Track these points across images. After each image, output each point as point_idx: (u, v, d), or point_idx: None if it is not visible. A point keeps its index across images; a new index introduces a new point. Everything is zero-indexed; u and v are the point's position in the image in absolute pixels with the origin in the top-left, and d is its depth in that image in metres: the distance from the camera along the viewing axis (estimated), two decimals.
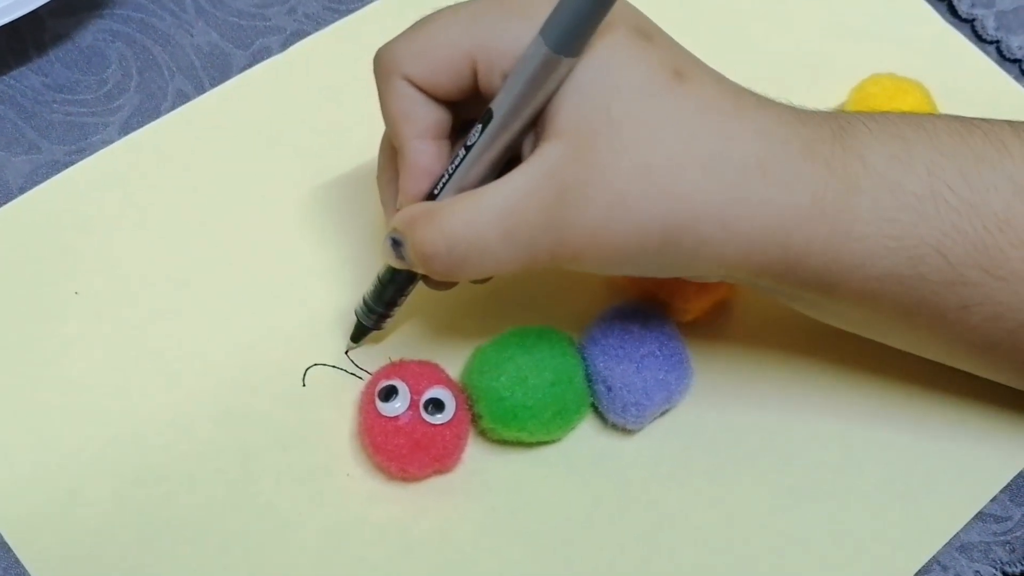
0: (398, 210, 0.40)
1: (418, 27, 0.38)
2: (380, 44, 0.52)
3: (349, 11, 0.54)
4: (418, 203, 0.38)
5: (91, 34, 0.53)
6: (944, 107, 0.52)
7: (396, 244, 0.39)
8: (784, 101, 0.40)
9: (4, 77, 0.52)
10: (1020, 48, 0.56)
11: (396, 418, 0.42)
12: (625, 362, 0.43)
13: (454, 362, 0.46)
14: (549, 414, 0.43)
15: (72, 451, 0.44)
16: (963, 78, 0.55)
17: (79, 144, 0.50)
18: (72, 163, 0.50)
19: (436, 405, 0.43)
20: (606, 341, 0.44)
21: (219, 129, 0.51)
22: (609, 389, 0.43)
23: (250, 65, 0.53)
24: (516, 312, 0.47)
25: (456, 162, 0.38)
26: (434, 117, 0.38)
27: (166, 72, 0.52)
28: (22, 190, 0.49)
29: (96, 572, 0.42)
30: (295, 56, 0.53)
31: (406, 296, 0.44)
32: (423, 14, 0.53)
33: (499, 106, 0.36)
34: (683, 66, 0.37)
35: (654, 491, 0.45)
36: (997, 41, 0.57)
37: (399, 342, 0.46)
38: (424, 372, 0.44)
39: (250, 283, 0.48)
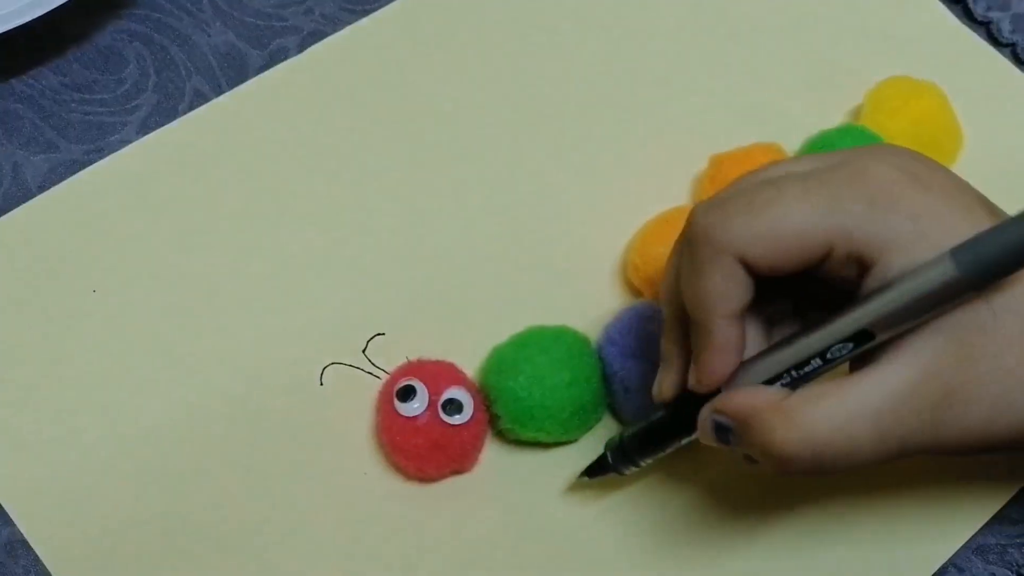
0: (698, 384, 0.36)
1: (758, 205, 0.34)
2: (396, 46, 0.53)
3: (366, 12, 0.55)
4: (752, 391, 0.35)
5: (109, 34, 0.53)
6: (960, 109, 0.52)
7: (721, 429, 0.35)
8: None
9: (23, 77, 0.52)
10: None
11: (414, 418, 0.42)
12: (643, 363, 0.43)
13: (471, 361, 0.46)
14: (567, 414, 0.43)
15: (90, 449, 0.44)
16: (979, 80, 0.55)
17: (97, 143, 0.50)
18: (90, 162, 0.50)
19: (454, 406, 0.43)
20: (624, 342, 0.44)
21: (236, 130, 0.51)
22: (627, 390, 0.43)
23: (267, 65, 0.53)
24: (533, 312, 0.47)
25: (805, 370, 0.35)
26: (748, 297, 0.35)
27: (183, 72, 0.52)
28: (41, 189, 0.49)
29: (115, 569, 0.42)
30: (312, 58, 0.53)
31: (676, 448, 0.40)
32: (439, 17, 0.54)
33: (877, 323, 0.33)
34: None
35: (671, 491, 0.45)
36: (1013, 44, 0.57)
37: (416, 341, 0.46)
38: (442, 372, 0.44)
39: (267, 282, 0.48)
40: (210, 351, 0.46)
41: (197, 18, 0.54)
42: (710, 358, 0.36)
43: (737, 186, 0.36)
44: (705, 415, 0.36)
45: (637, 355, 0.43)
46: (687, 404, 0.37)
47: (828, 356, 0.34)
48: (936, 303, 0.33)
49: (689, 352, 0.37)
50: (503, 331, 0.45)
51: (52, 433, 0.44)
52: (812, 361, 0.35)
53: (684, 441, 0.39)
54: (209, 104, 0.51)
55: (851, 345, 0.34)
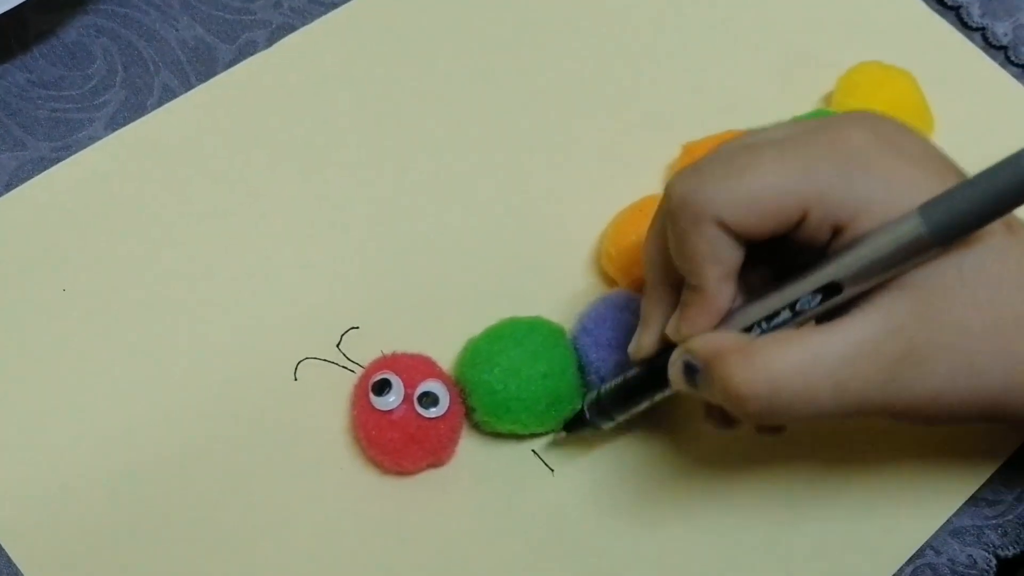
0: (677, 333, 0.37)
1: (735, 170, 0.35)
2: (366, 39, 0.53)
3: (335, 4, 0.54)
4: (721, 334, 0.36)
5: (75, 30, 0.52)
6: (930, 95, 0.52)
7: (690, 369, 0.36)
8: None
9: None
10: (1006, 35, 0.56)
11: (390, 412, 0.42)
12: (618, 352, 0.43)
13: (446, 354, 0.45)
14: (543, 406, 0.43)
15: (63, 449, 0.44)
16: (950, 66, 0.55)
17: (65, 140, 0.50)
18: (58, 159, 0.49)
19: (430, 399, 0.42)
20: (599, 332, 0.44)
21: (206, 125, 0.51)
22: (602, 380, 0.43)
23: (236, 59, 0.52)
24: (507, 303, 0.47)
25: (775, 321, 0.36)
26: (738, 258, 0.36)
27: (151, 67, 0.52)
28: (8, 187, 0.48)
29: (88, 570, 0.42)
30: (282, 51, 0.53)
31: (651, 405, 0.41)
32: (408, 9, 0.54)
33: (846, 277, 0.34)
34: (1010, 218, 0.34)
35: (647, 481, 0.45)
36: (983, 28, 0.57)
37: (391, 334, 0.46)
38: (417, 365, 0.44)
39: (239, 278, 0.47)
40: (183, 349, 0.46)
41: (164, 12, 0.53)
42: (697, 312, 0.36)
43: (714, 153, 0.37)
44: (676, 357, 0.37)
45: (612, 345, 0.43)
46: (662, 361, 0.38)
47: (797, 308, 0.35)
48: (904, 258, 0.33)
49: (667, 312, 0.38)
50: (478, 323, 0.45)
51: (23, 433, 0.44)
52: (782, 312, 0.35)
53: (658, 397, 0.40)
54: (178, 99, 0.51)
55: (819, 297, 0.35)
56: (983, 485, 0.46)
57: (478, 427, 0.45)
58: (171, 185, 0.49)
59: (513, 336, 0.44)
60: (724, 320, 0.37)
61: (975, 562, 0.45)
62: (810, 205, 0.34)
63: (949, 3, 0.57)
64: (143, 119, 0.50)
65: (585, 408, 0.43)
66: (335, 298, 0.47)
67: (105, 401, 0.45)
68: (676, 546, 0.44)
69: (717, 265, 0.35)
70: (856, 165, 0.34)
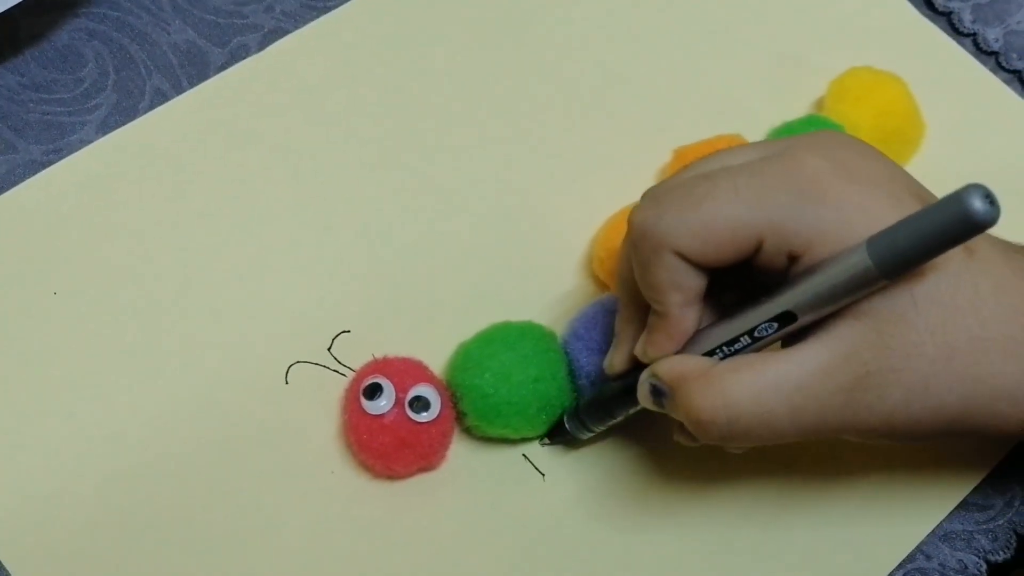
0: (644, 355, 0.38)
1: (692, 201, 0.36)
2: (358, 43, 0.53)
3: (327, 8, 0.54)
4: (686, 357, 0.37)
5: (67, 33, 0.52)
6: (922, 100, 0.52)
7: (656, 392, 0.37)
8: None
9: None
10: (996, 40, 0.57)
11: (381, 416, 0.42)
12: None
13: (438, 358, 0.45)
14: (533, 410, 0.43)
15: (53, 451, 0.44)
16: (940, 71, 0.55)
17: (56, 144, 0.50)
18: (50, 162, 0.49)
19: (421, 403, 0.42)
20: (589, 336, 0.44)
21: (198, 129, 0.50)
22: (593, 384, 0.43)
23: (228, 63, 0.52)
24: (498, 307, 0.47)
25: (736, 347, 0.36)
26: (699, 285, 0.36)
27: (143, 70, 0.52)
28: None
29: (78, 572, 0.42)
30: (274, 55, 0.53)
31: (625, 419, 0.42)
32: (400, 13, 0.54)
33: (799, 307, 0.35)
34: (971, 241, 0.33)
35: (638, 486, 0.45)
36: (973, 34, 0.57)
37: (382, 338, 0.46)
38: (408, 369, 0.44)
39: (230, 281, 0.47)
40: (174, 352, 0.46)
41: (156, 16, 0.53)
42: (662, 338, 0.37)
43: (674, 180, 0.38)
44: (644, 378, 0.38)
45: (603, 350, 0.43)
46: (634, 377, 0.39)
47: (755, 335, 0.36)
48: (852, 290, 0.34)
49: (638, 331, 0.39)
50: (469, 327, 0.45)
51: (14, 437, 0.44)
52: (741, 338, 0.36)
53: (632, 411, 0.41)
54: (170, 103, 0.51)
55: (776, 325, 0.35)
56: (974, 490, 0.46)
57: (469, 431, 0.45)
58: (163, 189, 0.49)
59: (504, 340, 0.44)
60: (690, 342, 0.37)
61: (966, 567, 0.45)
62: (764, 235, 0.35)
63: (940, 9, 0.58)
64: (135, 122, 0.50)
65: (564, 419, 0.44)
66: (326, 302, 0.47)
67: (96, 404, 0.45)
68: (666, 551, 0.44)
69: (678, 292, 0.36)
70: (809, 194, 0.35)
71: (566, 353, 0.44)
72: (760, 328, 0.36)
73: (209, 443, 0.44)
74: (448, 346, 0.45)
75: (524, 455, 0.45)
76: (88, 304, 0.46)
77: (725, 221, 0.35)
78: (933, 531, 0.45)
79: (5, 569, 0.42)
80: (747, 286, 0.38)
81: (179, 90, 0.51)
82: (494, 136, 0.52)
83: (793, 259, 0.35)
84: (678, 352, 0.38)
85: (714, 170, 0.37)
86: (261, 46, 0.53)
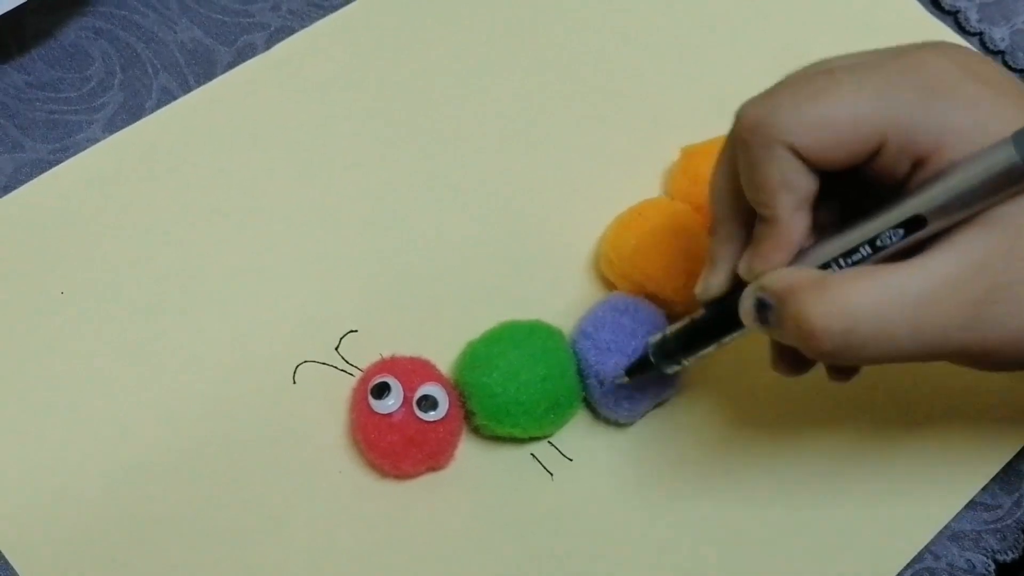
0: (749, 271, 0.36)
1: (808, 94, 0.33)
2: (364, 42, 0.53)
3: (333, 7, 0.54)
4: (796, 269, 0.35)
5: (73, 31, 0.52)
6: None
7: (762, 307, 0.34)
8: None
9: None
10: (1003, 40, 0.56)
11: (389, 415, 0.42)
12: (618, 356, 0.43)
13: (445, 357, 0.45)
14: (542, 410, 0.43)
15: (61, 450, 0.44)
16: None
17: (63, 142, 0.50)
18: (56, 161, 0.49)
19: (429, 402, 0.42)
20: (598, 335, 0.44)
21: (205, 128, 0.50)
22: (602, 384, 0.43)
23: (235, 62, 0.52)
24: (506, 306, 0.47)
25: (853, 259, 0.34)
26: (812, 187, 0.34)
27: (150, 69, 0.52)
28: (6, 189, 0.48)
29: (86, 570, 0.42)
30: (281, 54, 0.53)
31: (719, 347, 0.39)
32: (407, 12, 0.54)
33: (932, 210, 0.32)
34: None
35: (647, 485, 0.45)
36: (980, 33, 0.57)
37: (389, 338, 0.46)
38: (416, 368, 0.44)
39: (238, 281, 0.47)
40: (181, 352, 0.46)
41: (163, 15, 0.53)
42: (771, 247, 0.35)
43: (787, 77, 0.35)
44: (748, 293, 0.35)
45: (612, 349, 0.43)
46: (730, 302, 0.37)
47: (878, 243, 0.33)
48: (996, 189, 0.31)
49: (737, 250, 0.37)
50: (477, 326, 0.45)
51: (21, 435, 0.44)
52: (861, 248, 0.34)
53: (726, 339, 0.39)
54: (177, 102, 0.51)
55: (902, 232, 0.33)
56: (982, 490, 0.46)
57: (477, 431, 0.45)
58: (170, 188, 0.49)
59: (512, 339, 0.44)
60: (799, 257, 0.35)
61: (974, 567, 0.45)
62: (888, 133, 0.33)
63: (947, 8, 0.57)
64: (141, 121, 0.50)
65: (649, 352, 0.41)
66: (334, 301, 0.47)
67: (103, 404, 0.44)
68: (675, 549, 0.44)
69: (791, 193, 0.34)
70: (938, 93, 0.33)
71: (575, 352, 0.44)
72: (884, 236, 0.33)
73: (216, 443, 0.44)
74: (456, 345, 0.45)
75: (532, 454, 0.45)
76: (95, 303, 0.46)
77: (847, 115, 0.33)
78: (941, 531, 0.45)
79: (11, 567, 0.42)
80: (848, 202, 0.36)
81: (186, 89, 0.51)
82: (501, 134, 0.52)
83: (917, 164, 0.33)
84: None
85: (832, 67, 0.34)
86: (268, 45, 0.53)
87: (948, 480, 0.46)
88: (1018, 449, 0.47)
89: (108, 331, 0.46)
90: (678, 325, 0.40)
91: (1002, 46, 0.56)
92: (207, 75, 0.52)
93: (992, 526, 0.46)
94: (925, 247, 0.33)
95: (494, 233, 0.49)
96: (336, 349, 0.46)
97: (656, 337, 0.41)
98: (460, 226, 0.49)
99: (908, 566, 0.44)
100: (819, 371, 0.47)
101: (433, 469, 0.44)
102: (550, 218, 0.50)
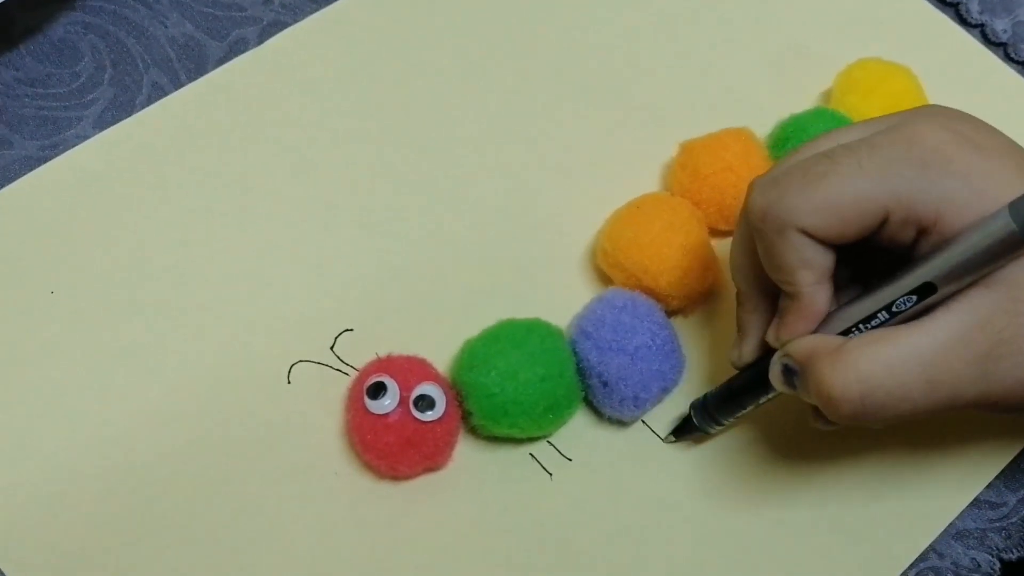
0: (777, 340, 0.38)
1: (813, 178, 0.35)
2: (358, 36, 0.52)
3: (327, 1, 0.53)
4: (818, 337, 0.37)
5: (62, 27, 0.52)
6: (930, 91, 0.51)
7: (789, 372, 0.37)
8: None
9: None
10: (1005, 31, 0.56)
11: (386, 416, 0.41)
12: (620, 355, 0.42)
13: (442, 356, 0.45)
14: (540, 409, 0.42)
15: (53, 452, 0.43)
16: (950, 61, 0.55)
17: (53, 139, 0.49)
18: (46, 158, 0.48)
19: (426, 402, 0.42)
20: (598, 334, 0.43)
21: (197, 124, 0.50)
22: (605, 384, 0.43)
23: (226, 57, 0.52)
24: (504, 304, 0.46)
25: (872, 324, 0.36)
26: (828, 262, 0.36)
27: (140, 64, 0.51)
28: None
29: (79, 573, 0.41)
30: (273, 49, 0.52)
31: (757, 407, 0.42)
32: (402, 7, 0.53)
33: (940, 278, 0.34)
34: None
35: (647, 484, 0.44)
36: (982, 24, 0.56)
37: (385, 336, 0.46)
38: (413, 368, 0.43)
39: (231, 279, 0.47)
40: (173, 351, 0.45)
41: (153, 9, 0.52)
42: (796, 319, 0.37)
43: (789, 161, 0.38)
44: (776, 360, 0.38)
45: (613, 348, 0.43)
46: (763, 364, 0.39)
47: (894, 309, 0.36)
48: (997, 255, 0.33)
49: (764, 319, 0.40)
50: (474, 325, 0.44)
51: (11, 436, 0.43)
52: (879, 314, 0.36)
53: (762, 399, 0.41)
54: (168, 97, 0.50)
55: (915, 298, 0.35)
56: (986, 488, 0.45)
57: (475, 431, 0.44)
58: (161, 185, 0.48)
59: (510, 338, 0.43)
60: (823, 323, 0.37)
61: (979, 565, 0.44)
62: (891, 208, 0.35)
63: (948, 0, 0.57)
64: (132, 118, 0.50)
65: (692, 413, 0.44)
66: (329, 299, 0.46)
67: (95, 404, 0.44)
68: (674, 550, 0.43)
69: (809, 271, 0.36)
70: (934, 165, 0.34)
71: (575, 352, 0.44)
72: (899, 302, 0.35)
73: (210, 444, 0.43)
74: (453, 344, 0.45)
75: (531, 454, 0.44)
76: (86, 302, 0.46)
77: (850, 196, 0.35)
78: (946, 529, 0.45)
79: (1, 571, 0.41)
80: (861, 263, 0.38)
81: (177, 84, 0.51)
82: (497, 131, 0.51)
83: (921, 232, 0.35)
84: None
85: (830, 148, 0.36)
86: (260, 39, 0.52)
87: (952, 478, 0.45)
88: (1023, 446, 0.46)
89: (99, 331, 0.45)
90: (716, 388, 0.43)
91: (1004, 38, 0.56)
92: (198, 70, 0.51)
93: (997, 524, 0.45)
94: (931, 310, 0.35)
95: (492, 230, 0.49)
96: (331, 348, 0.45)
97: (697, 400, 0.44)
98: (457, 223, 0.49)
99: (912, 565, 0.44)
100: None
101: (430, 470, 0.43)
102: (548, 214, 0.49)
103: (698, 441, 0.45)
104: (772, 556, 0.43)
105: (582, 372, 0.43)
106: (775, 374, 0.38)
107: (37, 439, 0.43)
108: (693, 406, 0.44)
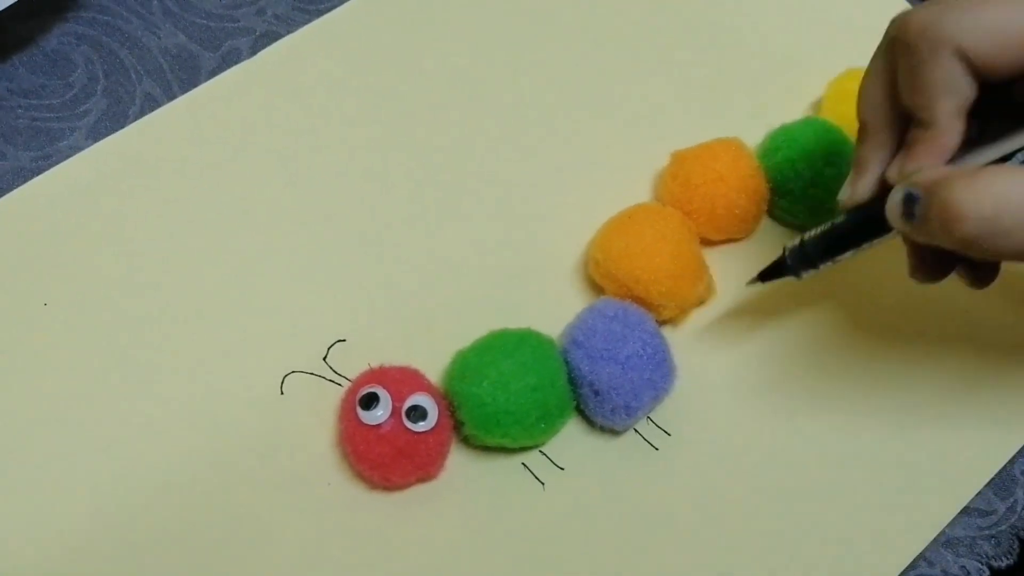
0: (902, 173, 0.37)
1: (978, 1, 0.35)
2: (351, 47, 0.52)
3: (319, 12, 0.54)
4: (946, 167, 0.36)
5: (55, 37, 0.52)
6: None
7: (909, 200, 0.35)
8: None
9: None
10: None
11: (378, 426, 0.42)
12: (611, 364, 0.43)
13: (435, 366, 0.45)
14: (532, 419, 0.43)
15: (44, 464, 0.43)
16: None
17: (45, 150, 0.49)
18: (39, 169, 0.48)
19: (418, 412, 0.42)
20: (590, 343, 0.43)
21: (190, 135, 0.50)
22: (596, 393, 0.43)
23: (219, 67, 0.52)
24: (496, 314, 0.46)
25: (1008, 159, 0.35)
26: (972, 95, 0.35)
27: (133, 75, 0.51)
28: None
29: None
30: (266, 60, 0.52)
31: (856, 253, 0.40)
32: (394, 18, 0.53)
33: None
34: None
35: (640, 493, 0.45)
36: None
37: (378, 347, 0.46)
38: (405, 378, 0.43)
39: (224, 290, 0.47)
40: (166, 363, 0.45)
41: (146, 20, 0.53)
42: (925, 150, 0.36)
43: None
44: (898, 188, 0.36)
45: (605, 357, 0.43)
46: (873, 208, 0.38)
47: None
48: None
49: (886, 157, 0.38)
50: (466, 335, 0.45)
51: (3, 448, 0.43)
52: (1016, 155, 0.35)
53: (865, 245, 0.40)
54: (161, 108, 0.50)
55: None
56: (976, 495, 0.46)
57: (467, 441, 0.44)
58: (154, 196, 0.48)
59: (502, 348, 0.43)
60: (950, 164, 0.36)
61: (968, 573, 0.45)
62: None
63: None
64: (125, 129, 0.50)
65: (787, 255, 0.42)
66: (321, 310, 0.47)
67: (87, 417, 0.44)
68: (665, 559, 0.43)
69: (951, 98, 0.35)
70: None
71: (566, 361, 0.44)
72: None
73: (203, 455, 0.44)
74: (445, 354, 0.45)
75: (523, 464, 0.44)
76: (79, 315, 0.46)
77: (1018, 24, 0.34)
78: (936, 537, 0.45)
79: None
80: (992, 121, 0.37)
81: (170, 95, 0.51)
82: (488, 142, 0.51)
83: None
84: None
85: None
86: (253, 50, 0.52)
87: (942, 486, 0.46)
88: (1012, 454, 0.46)
89: (92, 343, 0.45)
90: (816, 230, 0.41)
91: None
92: (191, 81, 0.51)
93: (986, 532, 0.45)
94: None
95: (484, 240, 0.49)
96: (324, 359, 0.46)
97: (793, 243, 0.42)
98: (449, 233, 0.49)
99: (903, 573, 0.44)
100: (815, 382, 0.47)
101: (423, 480, 0.44)
102: (540, 225, 0.49)
103: (787, 287, 0.44)
104: (763, 566, 0.44)
105: (574, 381, 0.44)
106: (894, 202, 0.36)
107: (28, 451, 0.43)
108: (788, 248, 0.42)
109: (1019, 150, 0.35)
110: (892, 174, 0.37)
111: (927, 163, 0.36)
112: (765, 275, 0.43)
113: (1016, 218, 0.33)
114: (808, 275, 0.42)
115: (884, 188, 0.38)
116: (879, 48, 0.38)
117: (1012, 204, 0.33)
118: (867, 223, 0.39)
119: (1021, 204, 0.33)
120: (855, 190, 0.39)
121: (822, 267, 0.41)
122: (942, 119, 0.36)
